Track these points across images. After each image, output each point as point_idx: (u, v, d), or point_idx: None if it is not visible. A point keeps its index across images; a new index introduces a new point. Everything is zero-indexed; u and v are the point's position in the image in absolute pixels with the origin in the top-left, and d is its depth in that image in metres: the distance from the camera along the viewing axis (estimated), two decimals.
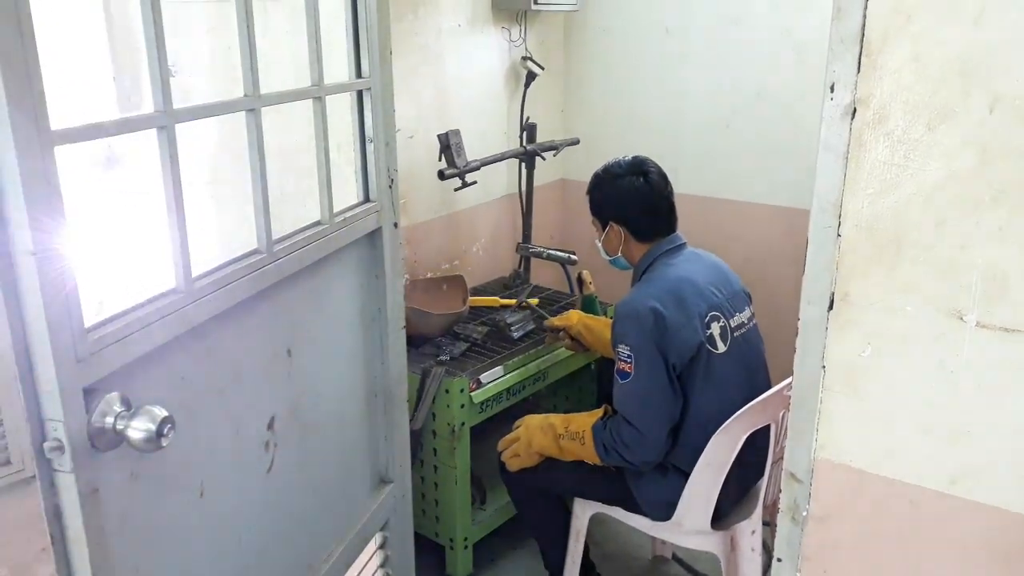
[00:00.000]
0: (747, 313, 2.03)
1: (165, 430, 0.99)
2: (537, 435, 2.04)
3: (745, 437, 1.82)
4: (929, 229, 0.96)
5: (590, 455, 1.96)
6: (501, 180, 2.98)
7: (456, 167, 2.48)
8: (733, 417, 1.79)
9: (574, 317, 2.33)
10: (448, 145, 2.47)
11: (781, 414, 1.88)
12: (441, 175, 2.46)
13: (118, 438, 1.01)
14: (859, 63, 0.97)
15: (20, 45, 0.85)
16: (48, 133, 0.90)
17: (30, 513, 3.01)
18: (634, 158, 2.09)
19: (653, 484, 1.94)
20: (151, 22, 1.05)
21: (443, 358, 2.26)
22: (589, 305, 2.51)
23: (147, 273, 1.45)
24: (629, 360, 1.87)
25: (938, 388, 0.99)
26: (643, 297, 1.90)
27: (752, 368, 2.00)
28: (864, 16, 0.96)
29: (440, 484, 2.29)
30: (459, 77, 2.73)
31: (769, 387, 1.91)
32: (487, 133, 2.87)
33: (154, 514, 1.14)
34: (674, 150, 3.00)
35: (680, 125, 3.02)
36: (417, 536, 1.99)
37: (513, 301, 2.61)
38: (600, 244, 2.12)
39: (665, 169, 2.09)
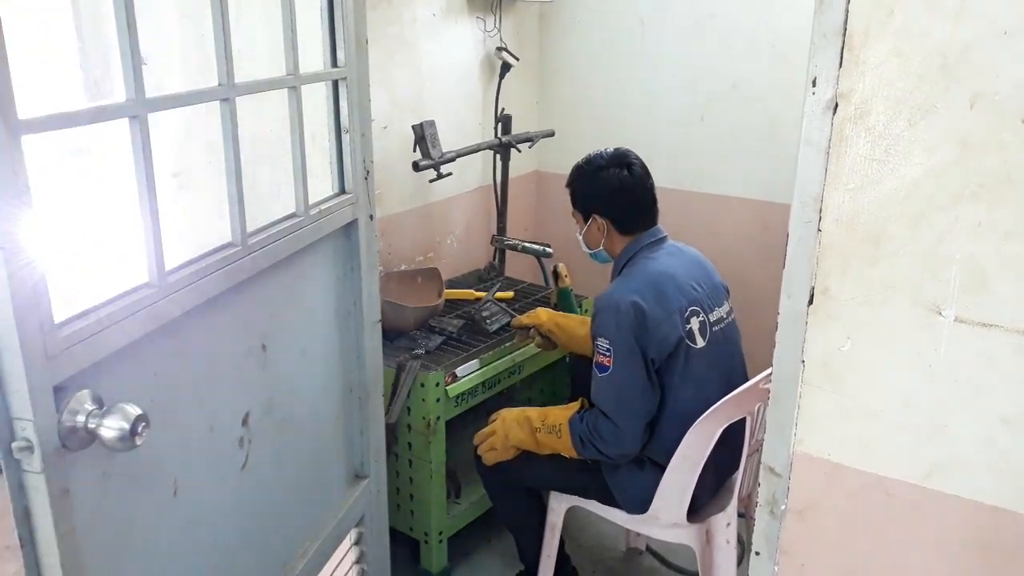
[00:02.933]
0: (726, 308, 2.04)
1: (139, 428, 0.97)
2: (514, 428, 2.04)
3: (721, 431, 1.83)
4: (909, 224, 0.96)
5: (567, 448, 1.96)
6: (476, 171, 2.96)
7: (431, 158, 2.45)
8: (709, 411, 1.80)
9: (543, 316, 2.28)
10: (423, 136, 2.44)
11: (757, 407, 1.89)
12: (416, 166, 2.43)
13: (90, 437, 0.98)
14: (841, 57, 0.97)
15: None
16: (15, 122, 0.86)
17: None
18: (616, 150, 2.08)
19: (629, 477, 1.95)
20: (123, 8, 1.01)
21: (418, 352, 2.24)
22: (564, 298, 2.51)
23: (118, 267, 1.42)
24: (608, 354, 1.87)
25: (916, 382, 1.00)
26: (624, 291, 1.90)
27: (730, 363, 2.01)
28: (847, 10, 0.95)
29: (415, 478, 2.28)
30: (433, 67, 2.71)
31: (746, 381, 1.92)
32: (462, 124, 2.85)
33: (127, 514, 1.12)
34: (649, 142, 3.00)
35: (655, 117, 3.02)
36: (392, 530, 1.98)
37: (498, 295, 2.60)
38: (581, 237, 2.11)
39: (644, 162, 2.09)
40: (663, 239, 2.06)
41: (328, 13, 1.53)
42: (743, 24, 2.77)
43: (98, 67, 2.24)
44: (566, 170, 2.14)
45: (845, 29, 0.96)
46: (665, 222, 2.10)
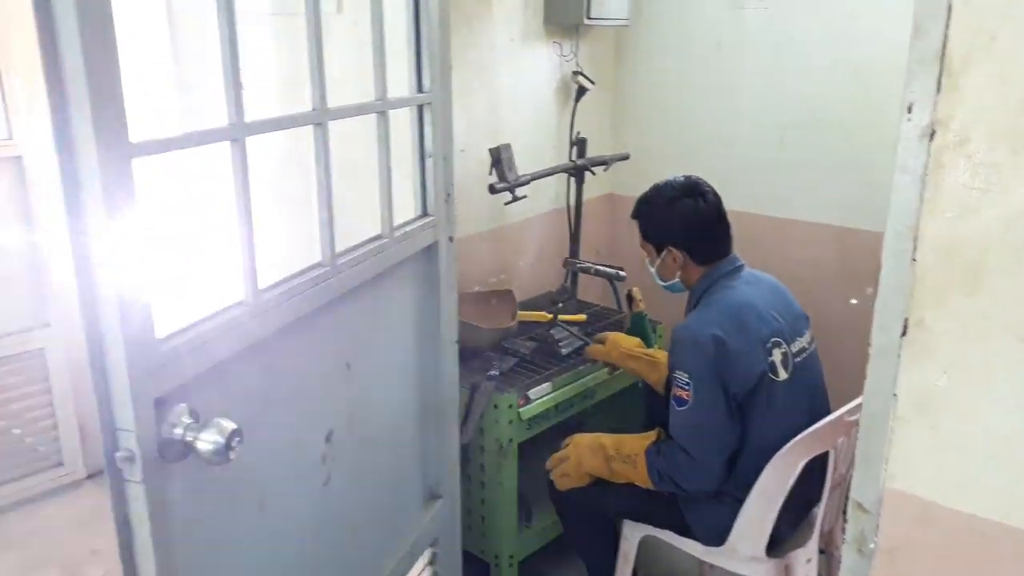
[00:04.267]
0: (807, 338, 1.98)
1: (233, 443, 1.00)
2: (587, 455, 2.02)
3: (803, 464, 1.78)
4: (1011, 254, 0.93)
5: (642, 479, 1.93)
6: (549, 194, 2.98)
7: (507, 181, 2.48)
8: (790, 444, 1.76)
9: (614, 354, 2.25)
10: (499, 159, 2.47)
11: (840, 440, 1.84)
12: (492, 189, 2.46)
13: (186, 450, 1.02)
14: (939, 84, 0.95)
15: (105, 60, 0.87)
16: (127, 146, 0.91)
17: (80, 515, 3.05)
18: (686, 178, 2.04)
19: (707, 509, 1.91)
20: (226, 38, 1.06)
21: (492, 373, 2.25)
22: (638, 323, 2.49)
23: (210, 285, 1.47)
24: (687, 387, 1.83)
25: (1018, 420, 0.96)
26: (703, 323, 1.86)
27: (812, 395, 1.96)
28: (945, 35, 0.93)
29: (487, 500, 2.28)
30: (510, 91, 2.74)
31: (829, 413, 1.87)
32: (536, 147, 2.87)
33: (216, 526, 1.15)
34: (724, 166, 2.97)
35: (731, 141, 2.99)
36: (463, 552, 1.99)
37: (567, 317, 2.59)
38: (654, 270, 2.08)
39: (715, 185, 2.06)
40: (740, 267, 2.02)
41: (415, 40, 1.57)
42: (823, 49, 2.73)
43: (192, 93, 2.35)
44: (640, 193, 2.12)
45: (943, 55, 0.94)
46: (739, 248, 2.07)
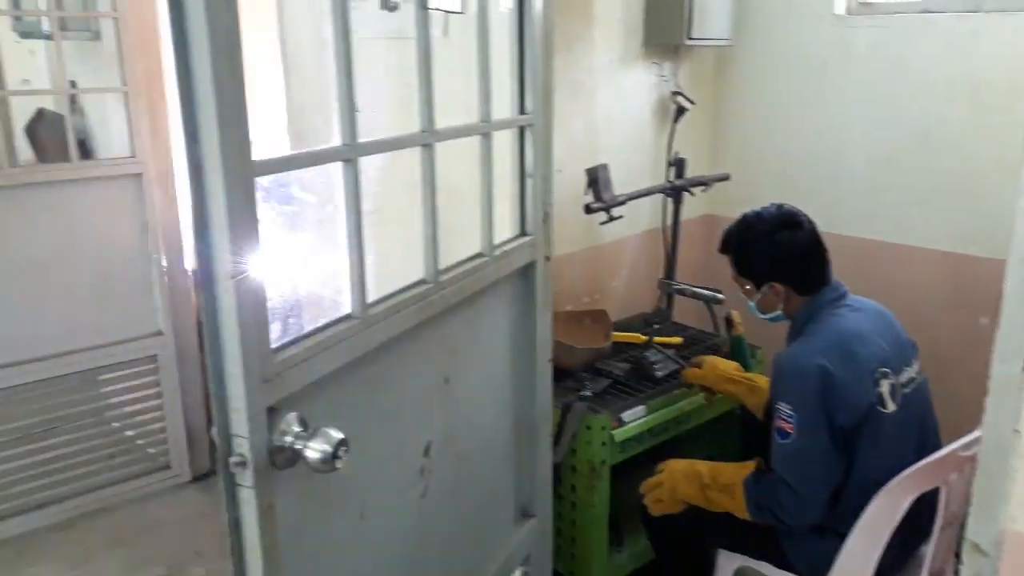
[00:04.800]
0: (915, 367, 1.90)
1: (340, 452, 1.03)
2: (682, 482, 1.98)
3: (911, 501, 1.70)
4: None
5: (739, 509, 1.87)
6: (645, 214, 2.95)
7: (603, 201, 2.47)
8: (898, 479, 1.68)
9: (711, 377, 2.21)
10: (596, 179, 2.47)
11: (952, 477, 1.75)
12: (587, 209, 2.46)
13: (295, 457, 1.05)
14: None
15: (232, 81, 0.92)
16: (251, 164, 0.96)
17: (185, 516, 3.17)
18: (778, 209, 1.97)
19: (808, 543, 1.84)
20: (342, 63, 1.10)
21: (585, 394, 2.24)
22: (737, 347, 2.43)
23: (322, 297, 1.52)
24: (790, 419, 1.77)
25: None
26: (808, 352, 1.80)
27: (922, 427, 1.87)
28: None
29: (578, 521, 2.27)
30: (608, 112, 2.74)
31: (939, 447, 1.78)
32: (633, 167, 2.86)
33: (320, 533, 1.18)
34: (829, 188, 2.89)
35: (837, 163, 2.90)
36: (553, 573, 1.97)
37: (663, 339, 2.56)
38: (754, 303, 2.02)
39: (820, 209, 1.99)
40: (844, 294, 1.95)
41: (519, 63, 1.59)
42: (938, 68, 2.62)
43: (303, 116, 2.45)
44: (739, 214, 2.07)
45: None
46: (842, 273, 2.00)
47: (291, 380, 1.05)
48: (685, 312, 2.97)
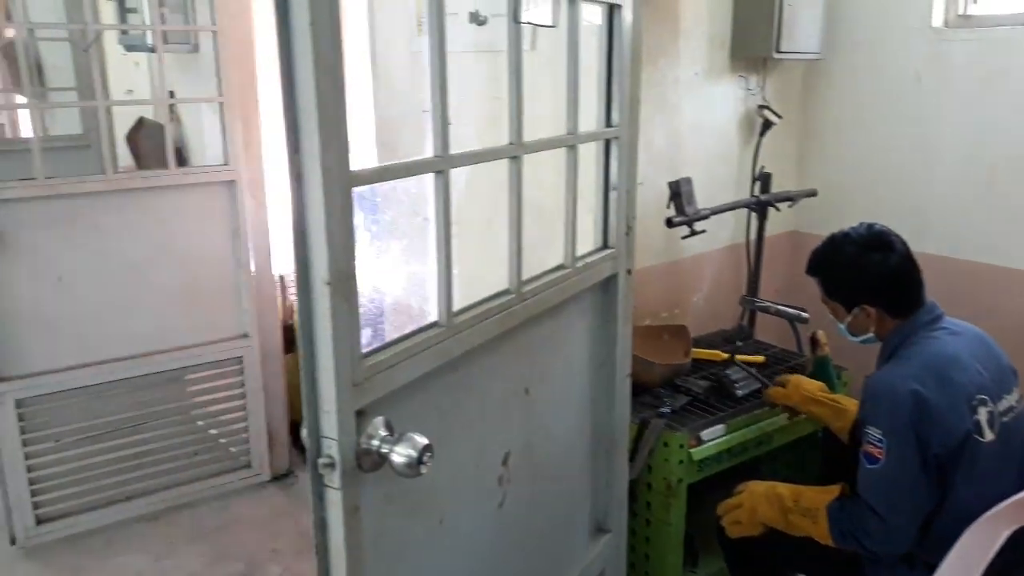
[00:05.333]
0: (1015, 395, 1.80)
1: (425, 458, 1.04)
2: (762, 504, 1.93)
3: (1009, 534, 1.62)
4: None
5: (822, 535, 1.81)
6: (727, 229, 2.91)
7: (685, 215, 2.45)
8: (994, 510, 1.60)
9: (795, 397, 2.15)
10: (679, 192, 2.45)
11: None
12: (669, 223, 2.44)
13: (380, 461, 1.07)
14: None
15: (334, 95, 0.94)
16: (348, 175, 0.98)
17: (264, 514, 3.24)
18: (869, 229, 1.90)
19: (896, 573, 1.77)
20: (437, 75, 1.12)
21: (663, 410, 2.21)
22: (822, 368, 2.36)
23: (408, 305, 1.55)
24: (880, 444, 1.71)
25: None
26: (901, 376, 1.73)
27: (1022, 458, 1.78)
28: None
29: (652, 539, 2.24)
30: (692, 125, 2.71)
31: None
32: (716, 181, 2.82)
33: (400, 537, 1.20)
34: (922, 207, 2.79)
35: (930, 181, 2.80)
36: None
37: (745, 357, 2.51)
38: (844, 326, 1.95)
39: (913, 228, 1.92)
40: (940, 316, 1.87)
41: (606, 76, 1.59)
42: None
43: (390, 128, 2.51)
44: (827, 232, 2.01)
45: None
46: (935, 295, 1.91)
47: (379, 385, 1.07)
48: (767, 330, 2.90)
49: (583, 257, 1.61)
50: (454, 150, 1.21)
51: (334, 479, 1.03)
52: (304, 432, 1.04)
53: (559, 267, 1.54)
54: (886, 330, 1.89)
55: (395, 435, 1.07)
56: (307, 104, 0.92)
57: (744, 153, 2.90)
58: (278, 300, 3.16)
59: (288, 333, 3.20)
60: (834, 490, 1.87)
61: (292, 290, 3.29)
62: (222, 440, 3.07)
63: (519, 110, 1.31)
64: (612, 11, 1.55)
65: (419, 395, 1.17)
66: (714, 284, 2.93)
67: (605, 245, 1.70)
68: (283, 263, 3.18)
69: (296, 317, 1.01)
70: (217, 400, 3.03)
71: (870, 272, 1.85)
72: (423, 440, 1.05)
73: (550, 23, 1.32)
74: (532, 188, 1.80)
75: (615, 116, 1.61)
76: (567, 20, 1.43)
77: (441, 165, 1.14)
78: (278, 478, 3.17)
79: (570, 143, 1.49)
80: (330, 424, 1.02)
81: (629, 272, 1.76)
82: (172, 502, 2.97)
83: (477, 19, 1.91)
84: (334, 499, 1.04)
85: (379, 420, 1.08)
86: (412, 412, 1.16)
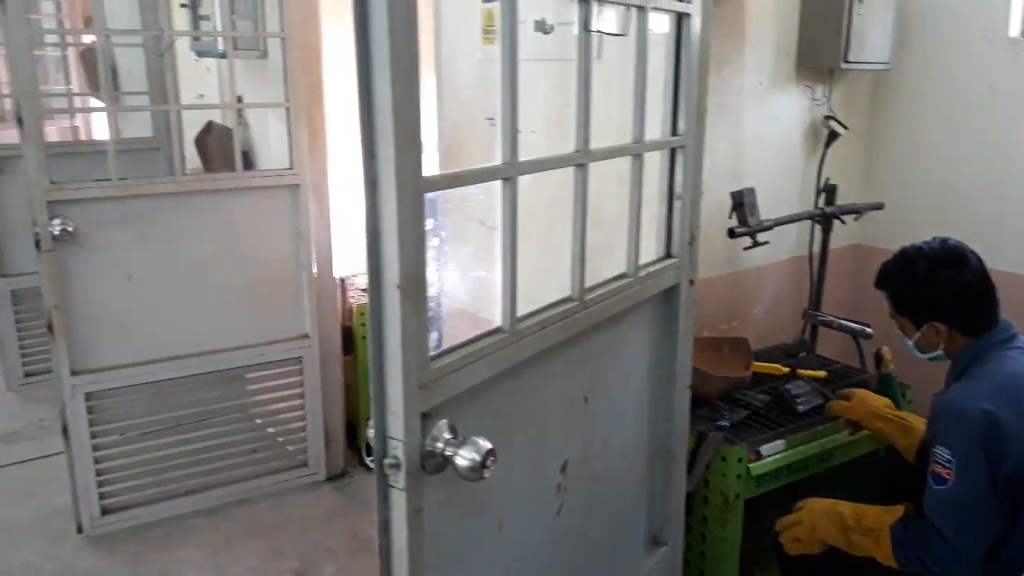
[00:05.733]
0: None
1: (488, 462, 1.05)
2: (822, 521, 1.89)
3: None
4: None
5: (885, 556, 1.76)
6: (790, 241, 2.86)
7: (748, 226, 2.42)
8: None
9: (860, 411, 2.10)
10: (741, 203, 2.42)
11: None
12: (731, 233, 2.41)
13: (443, 463, 1.08)
14: None
15: (410, 104, 0.96)
16: (421, 181, 0.99)
17: (320, 513, 3.29)
18: (943, 244, 1.85)
19: None
20: (508, 86, 1.13)
21: (722, 423, 2.18)
22: (886, 385, 2.31)
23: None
24: (948, 465, 1.66)
25: None
26: (973, 396, 1.68)
27: None
28: None
29: (707, 554, 2.20)
30: (755, 135, 2.68)
31: None
32: (779, 192, 2.78)
33: (460, 540, 1.21)
34: (995, 222, 2.70)
35: (1005, 196, 2.71)
36: None
37: (806, 372, 2.46)
38: (912, 343, 1.91)
39: (987, 244, 1.85)
40: (1015, 335, 1.81)
41: (673, 85, 1.58)
42: None
43: (452, 134, 2.53)
44: (893, 246, 1.96)
45: None
46: (1009, 313, 1.85)
47: (443, 388, 1.08)
48: (828, 345, 2.85)
49: (646, 266, 1.60)
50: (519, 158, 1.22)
51: (399, 480, 1.04)
52: (370, 433, 1.06)
53: (621, 275, 1.53)
54: (956, 348, 1.84)
55: (459, 438, 1.08)
56: (383, 110, 0.93)
57: (808, 164, 2.85)
58: (338, 302, 3.21)
59: (347, 335, 3.25)
60: (898, 510, 1.82)
61: (351, 292, 3.34)
62: (279, 439, 3.12)
63: (587, 118, 1.31)
64: (681, 20, 1.55)
65: (481, 400, 1.18)
66: (774, 297, 2.88)
67: (668, 254, 1.69)
68: (344, 266, 3.23)
69: (366, 319, 1.02)
70: (276, 399, 3.08)
71: (942, 288, 1.80)
72: (487, 444, 1.05)
73: (621, 32, 1.32)
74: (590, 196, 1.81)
75: (681, 125, 1.61)
76: (635, 29, 1.43)
77: (510, 172, 1.15)
78: (333, 478, 3.21)
79: (636, 151, 1.48)
80: (397, 425, 1.03)
81: (692, 282, 1.74)
82: (229, 498, 3.03)
83: (543, 28, 1.92)
84: (398, 500, 1.05)
85: (443, 423, 1.09)
86: (474, 416, 1.17)
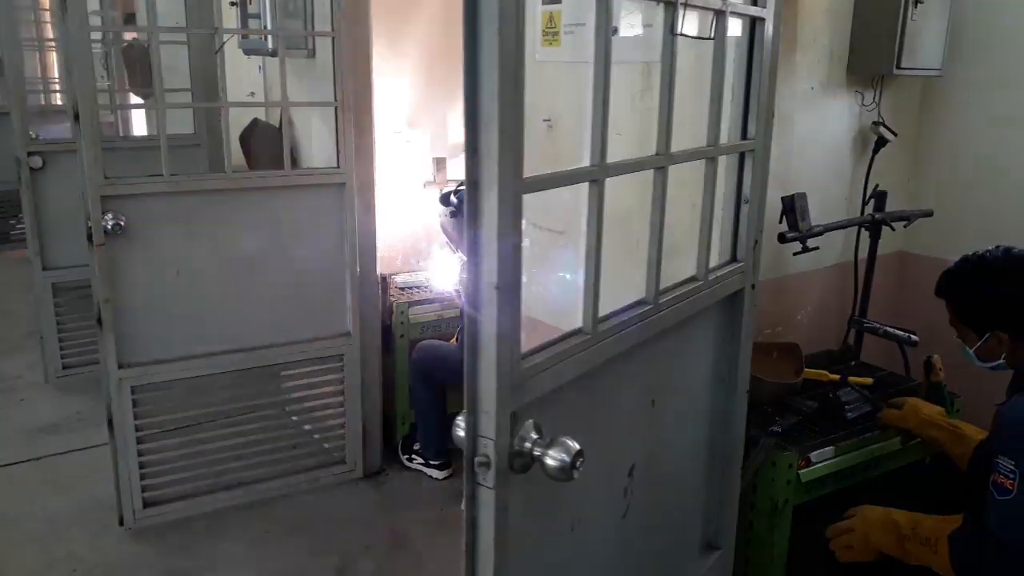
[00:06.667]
0: None
1: (577, 463, 1.05)
2: (876, 530, 1.88)
3: None
4: None
5: (942, 566, 1.75)
6: (836, 247, 2.84)
7: (798, 231, 2.41)
8: None
9: (912, 420, 2.10)
10: (792, 208, 2.41)
11: None
12: (782, 238, 2.40)
13: (529, 463, 1.08)
14: None
15: (514, 107, 0.96)
16: (521, 182, 1.00)
17: (357, 510, 3.30)
18: (1007, 253, 1.83)
19: None
20: (600, 87, 1.14)
21: (774, 429, 2.17)
22: (936, 394, 2.29)
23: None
24: (1012, 476, 1.65)
25: None
26: None
27: None
28: None
29: (753, 559, 2.19)
30: (804, 140, 2.67)
31: None
32: (827, 197, 2.76)
33: (537, 539, 1.21)
34: None
35: None
36: None
37: (855, 379, 2.45)
38: (973, 352, 1.89)
39: None
40: None
41: (744, 89, 1.58)
42: None
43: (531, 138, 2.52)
44: (939, 253, 1.95)
45: None
46: None
47: (534, 388, 1.09)
48: (872, 352, 2.83)
49: (714, 270, 1.60)
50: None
51: (488, 478, 1.05)
52: (460, 432, 1.06)
53: (691, 279, 1.53)
54: (1018, 358, 1.83)
55: (546, 439, 1.08)
56: (489, 110, 0.94)
57: (856, 170, 2.83)
58: (379, 301, 3.22)
59: (387, 334, 3.26)
60: (955, 519, 1.80)
61: (391, 291, 3.36)
62: (317, 435, 3.14)
63: (669, 121, 1.31)
64: (754, 24, 1.55)
65: (563, 401, 1.18)
66: (819, 303, 2.87)
67: (734, 259, 1.69)
68: (386, 264, 3.24)
69: (465, 320, 1.03)
70: (316, 396, 3.10)
71: (1007, 297, 1.79)
72: (575, 445, 1.06)
73: (707, 35, 1.32)
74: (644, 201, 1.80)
75: (752, 128, 1.60)
76: (715, 33, 1.43)
77: (598, 174, 1.16)
78: (370, 475, 3.23)
79: (711, 155, 1.48)
80: (488, 424, 1.03)
81: (753, 287, 1.74)
82: (268, 493, 3.05)
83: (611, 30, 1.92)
84: (487, 498, 1.06)
85: (530, 423, 1.09)
86: (556, 417, 1.17)
